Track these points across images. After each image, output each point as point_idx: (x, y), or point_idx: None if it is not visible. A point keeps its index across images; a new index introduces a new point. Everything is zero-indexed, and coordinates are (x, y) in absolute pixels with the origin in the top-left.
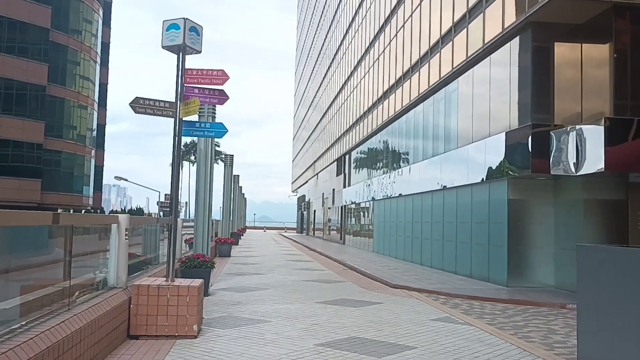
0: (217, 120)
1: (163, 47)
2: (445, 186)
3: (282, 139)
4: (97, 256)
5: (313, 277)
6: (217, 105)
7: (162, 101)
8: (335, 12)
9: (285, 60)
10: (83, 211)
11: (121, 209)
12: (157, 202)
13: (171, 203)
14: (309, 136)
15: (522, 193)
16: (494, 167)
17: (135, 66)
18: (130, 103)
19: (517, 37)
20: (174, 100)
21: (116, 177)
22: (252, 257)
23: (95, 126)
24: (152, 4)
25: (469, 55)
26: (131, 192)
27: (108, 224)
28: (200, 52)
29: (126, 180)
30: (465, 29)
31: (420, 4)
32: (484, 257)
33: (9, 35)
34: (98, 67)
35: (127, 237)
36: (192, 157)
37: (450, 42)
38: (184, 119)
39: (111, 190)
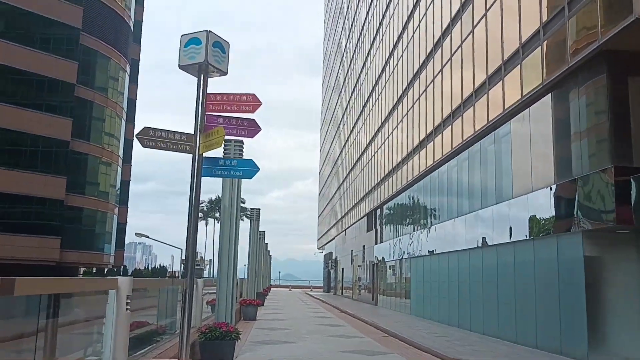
0: (240, 168)
1: (180, 67)
2: (499, 243)
3: (306, 196)
4: (91, 328)
5: (352, 346)
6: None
7: (177, 132)
8: (361, 70)
9: (306, 118)
10: (105, 270)
11: (145, 267)
12: (181, 261)
13: (187, 260)
14: (335, 192)
15: (600, 249)
16: (561, 220)
17: (161, 124)
18: (137, 135)
19: (587, 69)
20: (192, 132)
21: (137, 234)
22: (280, 320)
23: (119, 182)
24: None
25: (523, 94)
26: (156, 250)
27: (104, 290)
28: (226, 73)
29: (147, 237)
30: (519, 66)
31: (461, 46)
32: (554, 324)
33: (36, 91)
34: (124, 124)
35: (128, 307)
36: (217, 214)
37: (485, 95)
38: (204, 154)
39: (137, 248)
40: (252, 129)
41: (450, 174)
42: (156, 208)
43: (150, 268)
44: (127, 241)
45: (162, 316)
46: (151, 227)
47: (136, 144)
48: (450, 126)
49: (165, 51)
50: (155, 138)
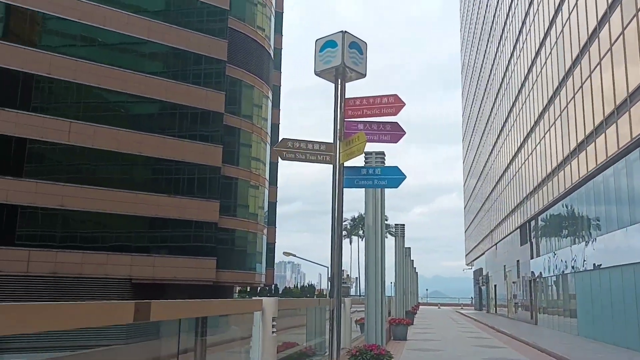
0: (384, 177)
1: (316, 73)
2: None
3: (450, 211)
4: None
5: None
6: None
7: (316, 142)
8: (503, 77)
9: (446, 132)
10: (258, 289)
11: (295, 285)
12: (328, 278)
13: (332, 278)
14: (482, 205)
15: None
16: None
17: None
18: (276, 147)
19: None
20: (331, 141)
21: (284, 253)
22: (432, 340)
23: (266, 204)
24: (321, 91)
25: None
26: (305, 269)
27: (249, 312)
28: (364, 75)
29: (294, 255)
30: None
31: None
32: None
33: (191, 123)
34: (268, 148)
35: (274, 329)
36: (361, 232)
37: None
38: (345, 164)
39: (286, 267)
40: (396, 133)
41: (618, 178)
42: (303, 227)
43: (299, 286)
44: (276, 260)
45: (311, 336)
46: (299, 246)
47: (281, 166)
48: (614, 124)
49: (304, 76)
50: (294, 149)
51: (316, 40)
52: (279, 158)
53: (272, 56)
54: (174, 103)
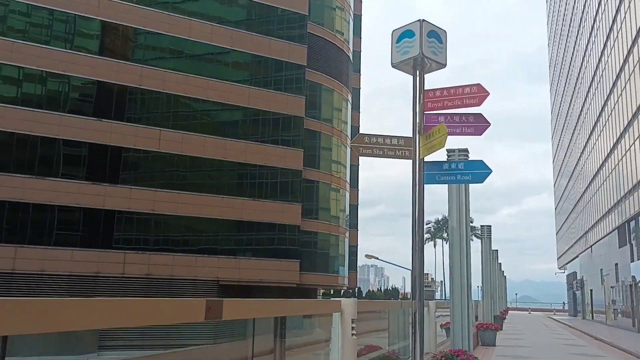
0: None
1: (393, 65)
2: None
3: (540, 212)
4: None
5: None
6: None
7: (394, 137)
8: (596, 69)
9: (533, 128)
10: (342, 292)
11: (378, 288)
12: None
13: (414, 279)
14: (574, 206)
15: None
16: None
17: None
18: (352, 143)
19: None
20: (410, 135)
21: (366, 256)
22: (524, 347)
23: (348, 207)
24: (402, 90)
25: None
26: (388, 272)
27: (327, 313)
28: (444, 65)
29: (377, 258)
30: None
31: None
32: None
33: (273, 128)
34: (348, 151)
35: (354, 331)
36: (445, 234)
37: None
38: (425, 159)
39: (369, 270)
40: (480, 124)
41: None
42: (385, 230)
43: (382, 289)
44: (359, 264)
45: (394, 340)
46: (382, 250)
47: (362, 169)
48: None
49: (384, 77)
50: (371, 145)
51: (393, 31)
52: (358, 156)
53: (351, 59)
54: (257, 109)
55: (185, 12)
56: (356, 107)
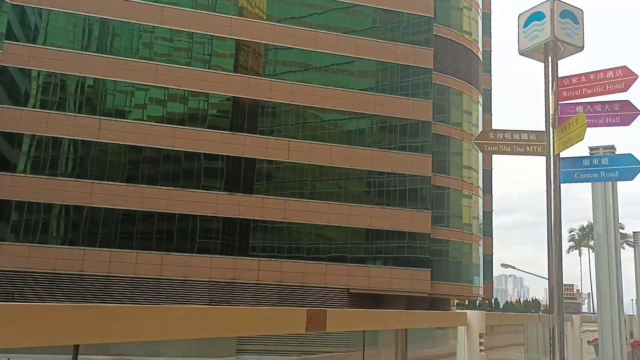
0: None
1: (521, 52)
2: None
3: None
4: None
5: None
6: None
7: (524, 132)
8: None
9: None
10: (477, 302)
11: (517, 299)
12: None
13: (551, 291)
14: None
15: None
16: None
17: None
18: (475, 139)
19: None
20: (542, 129)
21: (502, 265)
22: None
23: (481, 214)
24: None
25: None
26: (528, 282)
27: (451, 326)
28: (581, 48)
29: (513, 267)
30: None
31: None
32: None
33: (400, 134)
34: (480, 155)
35: (482, 347)
36: (591, 242)
37: None
38: (561, 155)
39: (507, 280)
40: (627, 113)
41: None
42: (525, 239)
43: (521, 301)
44: (495, 273)
45: (533, 355)
46: (520, 259)
47: (496, 174)
48: None
49: (518, 76)
50: (497, 141)
51: (519, 15)
52: (483, 154)
53: (481, 59)
54: (383, 116)
55: (311, 25)
56: (488, 110)
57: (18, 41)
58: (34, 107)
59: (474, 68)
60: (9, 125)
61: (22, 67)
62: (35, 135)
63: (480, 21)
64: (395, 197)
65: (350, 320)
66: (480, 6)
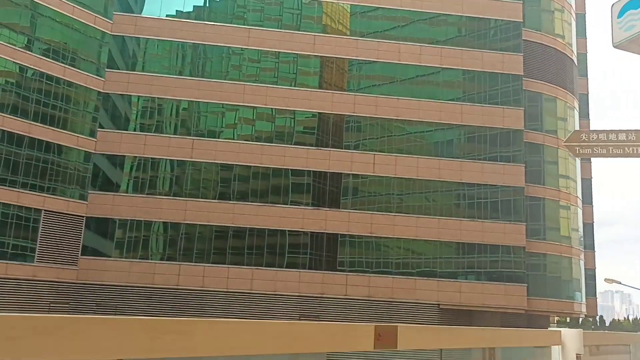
0: None
1: (615, 45)
2: None
3: None
4: None
5: None
6: None
7: (621, 132)
8: None
9: None
10: (580, 320)
11: (625, 317)
12: None
13: None
14: None
15: None
16: None
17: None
18: (565, 142)
19: None
20: None
21: (606, 280)
22: None
23: (581, 226)
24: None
25: None
26: (638, 300)
27: (542, 345)
28: None
29: (619, 282)
30: None
31: None
32: None
33: (489, 144)
34: (578, 163)
35: None
36: None
37: None
38: None
39: (614, 297)
40: None
41: None
42: (633, 253)
43: (630, 319)
44: (600, 289)
45: None
46: (629, 275)
47: (597, 184)
48: None
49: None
50: (591, 143)
51: (612, 5)
52: (570, 152)
53: (576, 63)
54: (470, 126)
55: (395, 37)
56: (585, 115)
57: (119, 69)
58: (134, 130)
59: (568, 72)
60: (112, 147)
61: (122, 93)
62: (136, 156)
63: (573, 23)
64: (487, 209)
65: (424, 337)
66: (574, 7)
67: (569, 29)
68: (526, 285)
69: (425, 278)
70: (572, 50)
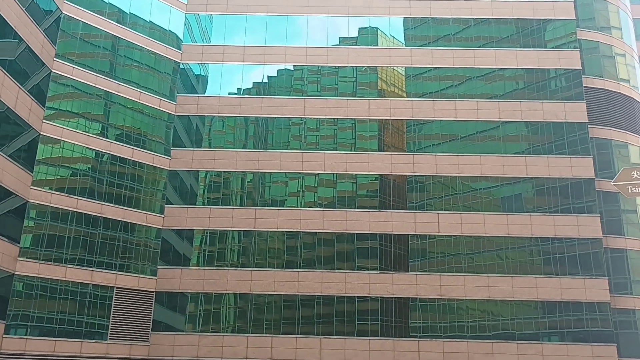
0: None
1: None
2: None
3: None
4: None
5: None
6: None
7: None
8: None
9: None
10: None
11: None
12: None
13: None
14: None
15: None
16: None
17: None
18: (614, 181)
19: None
20: None
21: None
22: None
23: None
24: None
25: None
26: None
27: None
28: None
29: None
30: None
31: None
32: None
33: (560, 196)
34: None
35: None
36: None
37: None
38: None
39: None
40: None
41: None
42: None
43: None
44: None
45: None
46: None
47: None
48: None
49: None
50: None
51: None
52: (622, 193)
53: None
54: (538, 178)
55: (451, 96)
56: None
57: (184, 147)
58: (202, 204)
59: (636, 116)
60: (179, 222)
61: (188, 169)
62: (205, 229)
63: (637, 66)
64: (564, 265)
65: None
66: (636, 50)
67: (633, 72)
68: (615, 345)
69: (502, 341)
70: (638, 93)
